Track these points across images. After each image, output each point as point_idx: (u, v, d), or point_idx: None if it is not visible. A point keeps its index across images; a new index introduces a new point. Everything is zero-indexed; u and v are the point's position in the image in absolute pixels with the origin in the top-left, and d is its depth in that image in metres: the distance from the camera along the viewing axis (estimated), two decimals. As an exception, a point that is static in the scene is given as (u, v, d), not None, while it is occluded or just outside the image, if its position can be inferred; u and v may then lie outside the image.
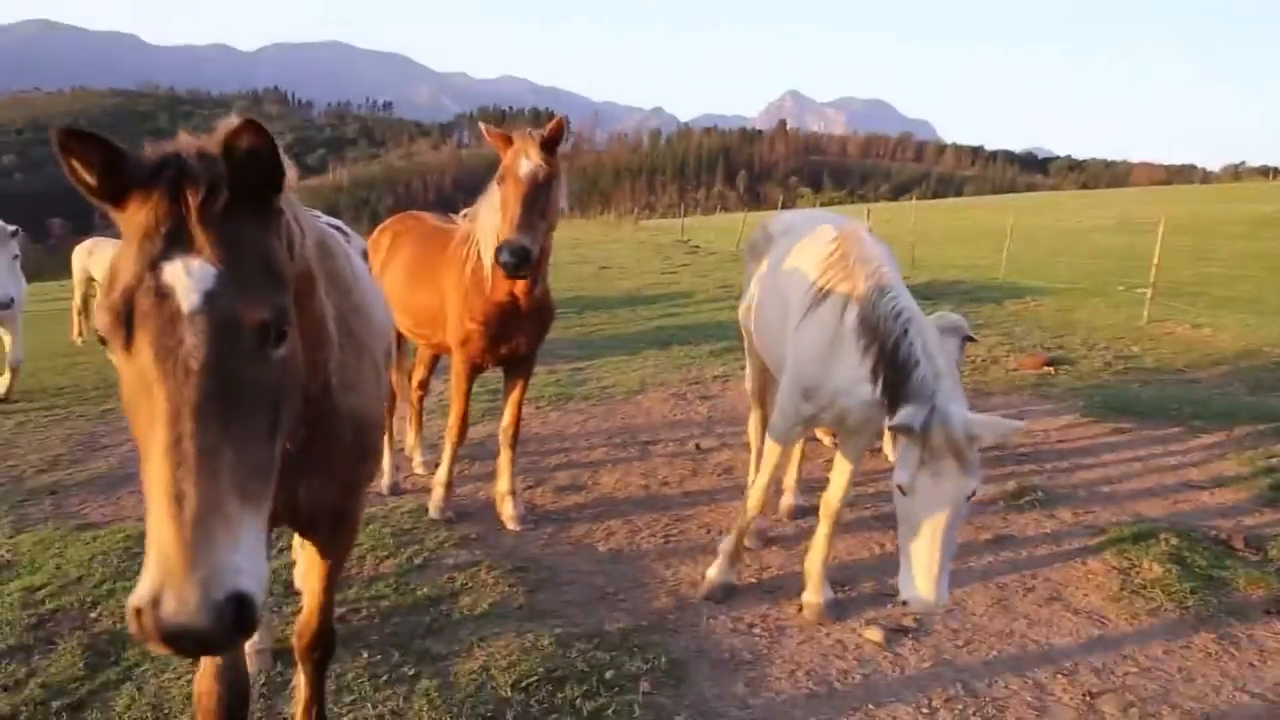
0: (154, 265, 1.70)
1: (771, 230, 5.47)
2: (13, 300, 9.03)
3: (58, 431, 8.39)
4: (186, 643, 1.54)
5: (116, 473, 7.05)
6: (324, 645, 3.24)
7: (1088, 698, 3.86)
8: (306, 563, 3.20)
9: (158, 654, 1.44)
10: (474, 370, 5.67)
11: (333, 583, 3.16)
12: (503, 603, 4.69)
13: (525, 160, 4.86)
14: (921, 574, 3.59)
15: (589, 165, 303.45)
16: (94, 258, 13.79)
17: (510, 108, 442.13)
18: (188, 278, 1.70)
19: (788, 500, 6.06)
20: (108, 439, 8.11)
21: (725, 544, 4.95)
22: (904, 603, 3.69)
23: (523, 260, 4.73)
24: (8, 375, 9.79)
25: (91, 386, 10.39)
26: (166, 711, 3.70)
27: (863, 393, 4.00)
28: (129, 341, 1.69)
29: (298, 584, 4.54)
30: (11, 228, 9.13)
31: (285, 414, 1.88)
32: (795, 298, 4.46)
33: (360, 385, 2.69)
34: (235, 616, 1.55)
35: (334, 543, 3.03)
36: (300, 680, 3.35)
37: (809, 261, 4.46)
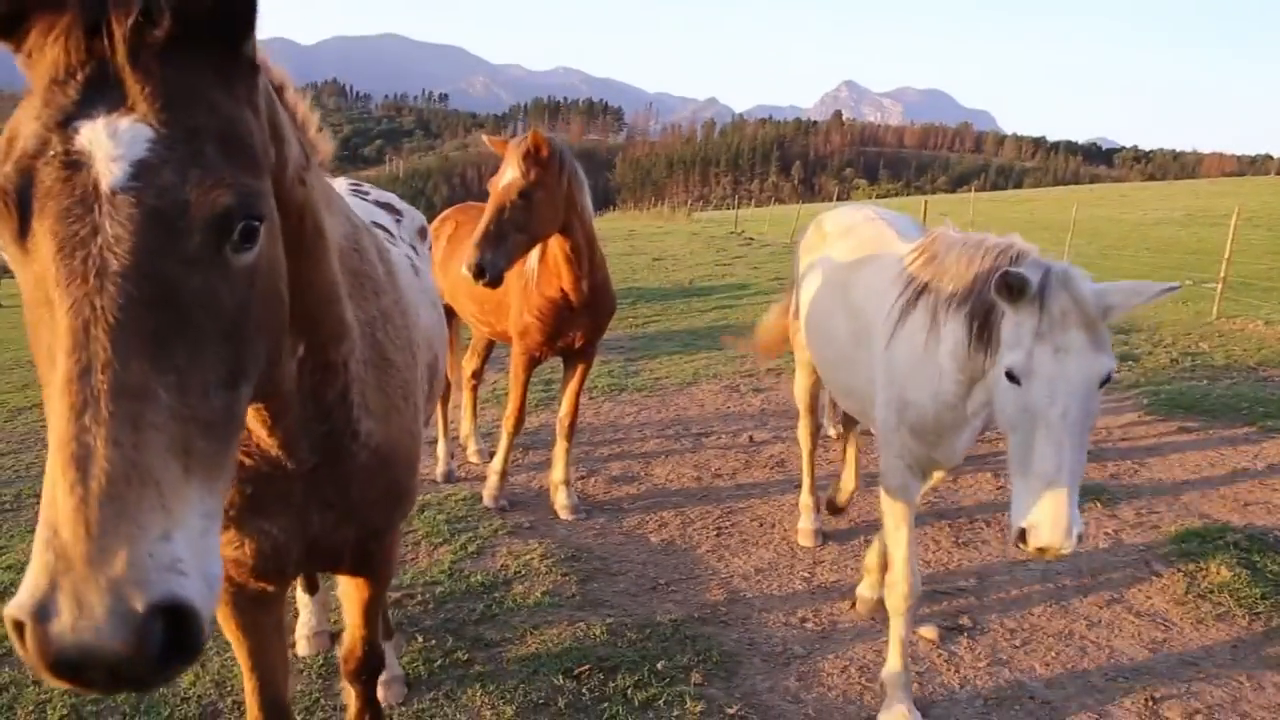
0: (63, 124, 1.21)
1: (827, 229, 4.82)
2: None
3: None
4: (90, 674, 1.06)
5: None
6: (370, 669, 2.92)
7: (1150, 703, 3.77)
8: (342, 593, 2.84)
9: (54, 685, 1.12)
10: (532, 361, 5.71)
11: (373, 614, 2.81)
12: (555, 591, 4.73)
13: (505, 171, 4.90)
14: (1045, 499, 2.68)
15: (643, 157, 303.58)
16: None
17: (565, 99, 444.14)
18: (110, 141, 1.21)
19: (807, 525, 5.49)
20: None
21: (887, 665, 3.81)
22: (1021, 539, 2.78)
23: (478, 273, 4.73)
24: None
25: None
26: (229, 689, 3.80)
27: (970, 407, 3.33)
28: (23, 231, 1.20)
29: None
30: None
31: (252, 356, 1.37)
32: (875, 312, 3.76)
33: (386, 410, 2.22)
34: (166, 637, 1.08)
35: (365, 580, 2.66)
36: (350, 697, 3.06)
37: (889, 268, 3.80)
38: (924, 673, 4.02)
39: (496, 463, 6.02)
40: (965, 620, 4.48)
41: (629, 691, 3.79)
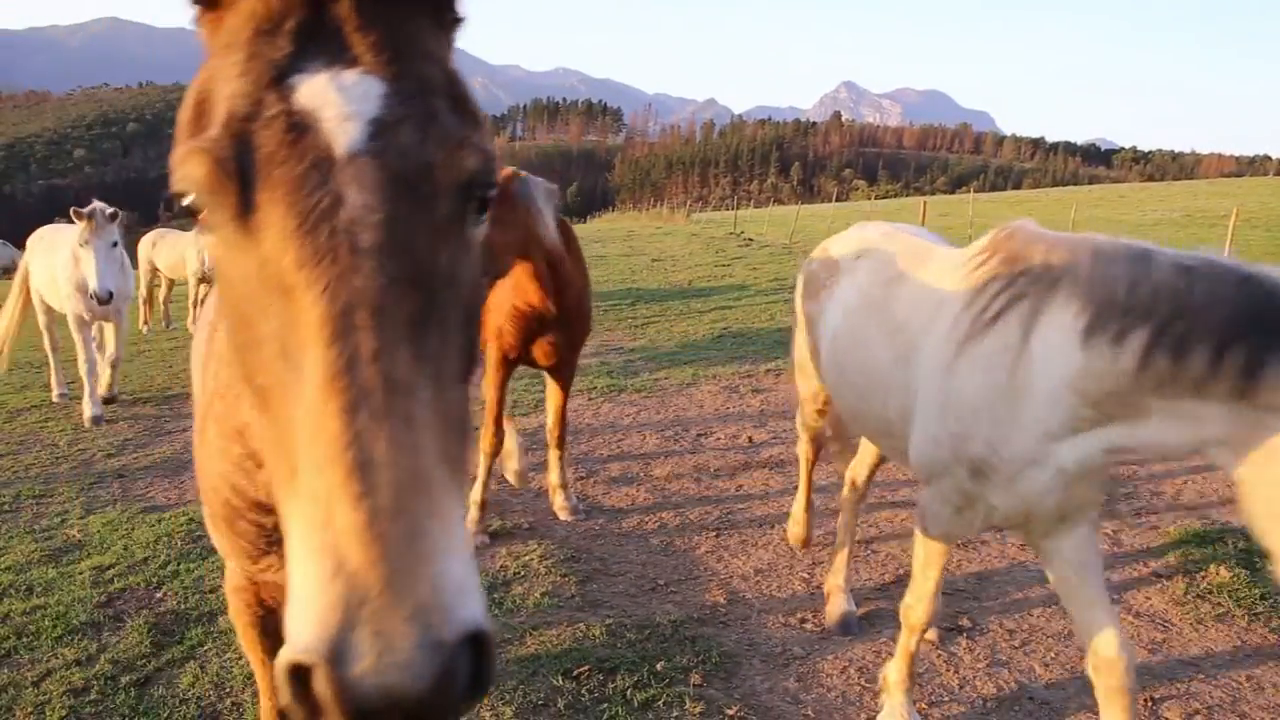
0: (277, 80, 1.07)
1: (837, 255, 4.14)
2: (110, 294, 7.74)
3: (125, 417, 8.65)
4: (395, 714, 0.90)
5: (181, 457, 7.25)
6: None
7: (1149, 703, 3.77)
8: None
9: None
10: (506, 362, 5.52)
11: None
12: (554, 592, 4.73)
13: None
14: None
15: (642, 157, 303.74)
16: (158, 249, 14.20)
17: (564, 100, 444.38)
18: (340, 98, 1.06)
19: (840, 606, 4.50)
20: (171, 424, 8.35)
21: (892, 672, 3.64)
22: None
23: None
24: (108, 373, 8.98)
25: (156, 374, 10.69)
26: (228, 690, 3.80)
27: (1073, 453, 2.72)
28: (246, 206, 1.05)
29: None
30: (110, 209, 7.94)
31: (476, 346, 1.24)
32: (922, 330, 3.24)
33: None
34: (472, 670, 0.93)
35: None
36: None
37: (941, 277, 3.30)
38: (924, 673, 4.02)
39: (475, 492, 5.52)
40: (965, 621, 4.48)
41: (628, 692, 3.78)
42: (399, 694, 0.88)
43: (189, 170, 1.07)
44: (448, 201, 1.10)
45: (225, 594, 2.24)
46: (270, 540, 1.93)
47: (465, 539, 1.00)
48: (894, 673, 3.61)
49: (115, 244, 7.88)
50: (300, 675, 0.90)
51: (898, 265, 3.65)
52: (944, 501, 3.11)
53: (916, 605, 3.50)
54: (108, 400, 8.95)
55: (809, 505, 5.19)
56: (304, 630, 0.90)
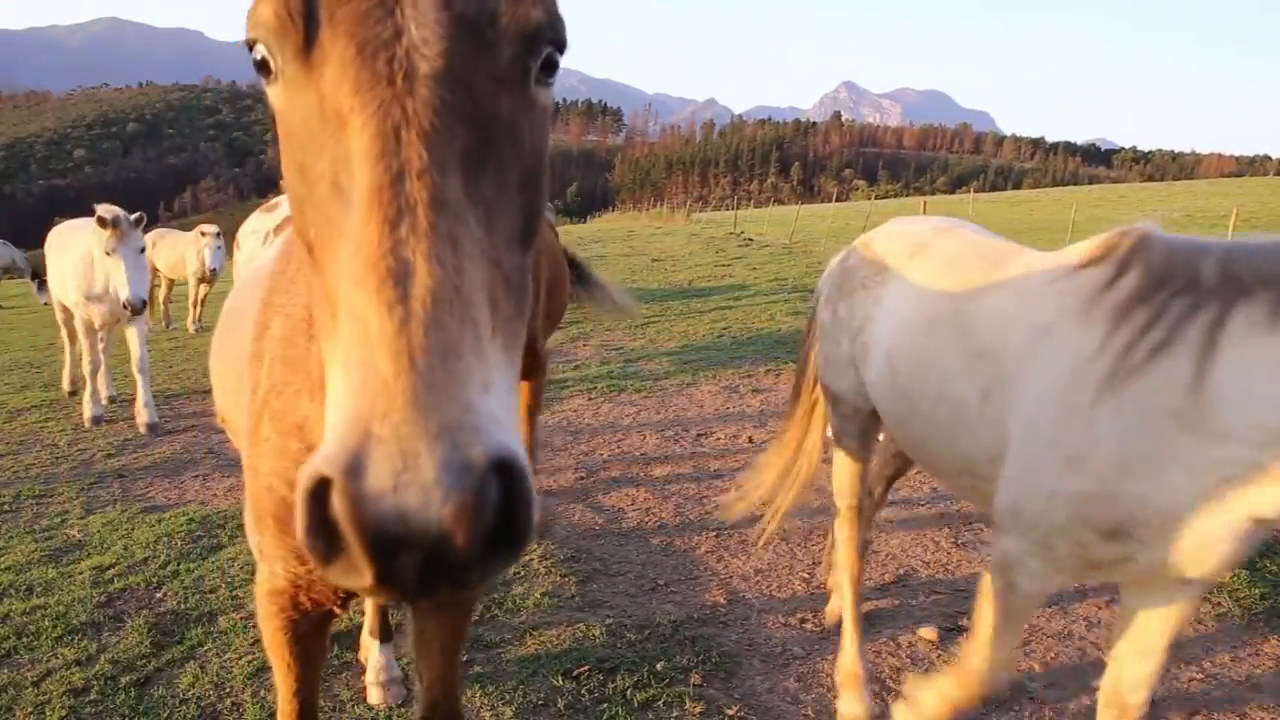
0: None
1: (882, 253, 3.52)
2: (144, 303, 7.60)
3: (125, 417, 8.65)
4: (407, 555, 0.83)
5: (180, 457, 7.26)
6: None
7: (1149, 704, 3.76)
8: (415, 642, 2.46)
9: (343, 581, 0.89)
10: None
11: (455, 662, 2.44)
12: (554, 592, 4.73)
13: None
14: None
15: (642, 157, 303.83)
16: (158, 249, 14.21)
17: (564, 100, 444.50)
18: None
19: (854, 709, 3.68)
20: (171, 424, 8.36)
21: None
22: None
23: None
24: (140, 380, 8.21)
25: (156, 374, 10.69)
26: (228, 690, 3.80)
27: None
28: (309, 42, 1.06)
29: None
30: (135, 215, 7.63)
31: (538, 222, 1.21)
32: (1019, 356, 2.68)
33: None
34: (505, 500, 0.86)
35: (450, 614, 2.37)
36: None
37: (1037, 295, 2.71)
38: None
39: None
40: (965, 621, 4.47)
41: (628, 692, 3.78)
42: (419, 521, 0.81)
43: (258, 14, 1.08)
44: (511, 50, 1.10)
45: (257, 598, 2.17)
46: None
47: (510, 401, 0.95)
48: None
49: (142, 250, 7.64)
50: (320, 497, 0.85)
51: (968, 272, 3.05)
52: (1047, 559, 2.59)
53: (982, 670, 2.84)
54: (111, 399, 8.91)
55: (860, 639, 3.81)
56: (327, 441, 0.86)
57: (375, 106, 1.00)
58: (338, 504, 0.83)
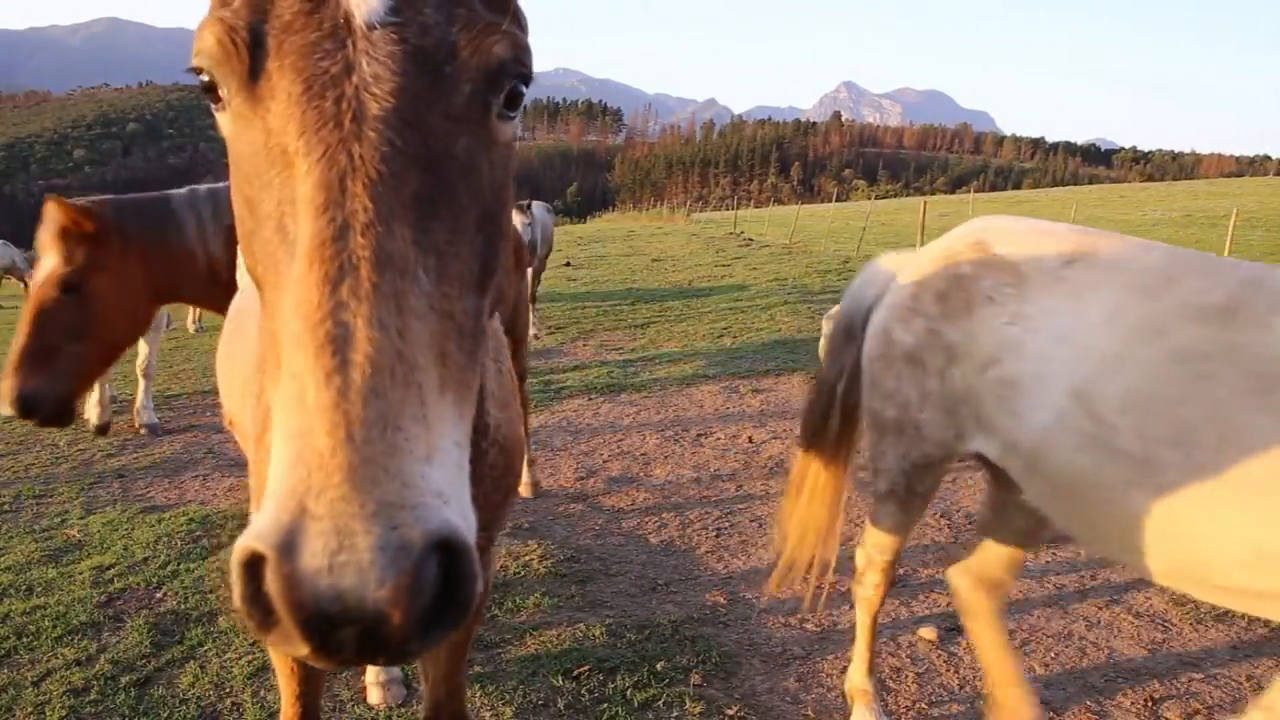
0: None
1: (1016, 258, 2.77)
2: None
3: (124, 417, 8.65)
4: (343, 632, 0.81)
5: (180, 457, 7.26)
6: None
7: (1149, 703, 3.77)
8: None
9: (280, 649, 0.89)
10: None
11: (461, 664, 2.39)
12: (554, 592, 4.73)
13: (43, 260, 3.80)
14: None
15: (642, 157, 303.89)
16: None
17: (564, 100, 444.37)
18: None
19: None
20: (171, 424, 8.36)
21: None
22: None
23: (24, 410, 3.67)
24: (141, 395, 8.15)
25: (156, 374, 10.68)
26: (228, 690, 3.80)
27: None
28: (255, 74, 1.01)
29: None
30: None
31: (499, 262, 1.14)
32: None
33: (504, 397, 1.97)
34: (445, 582, 0.84)
35: None
36: None
37: None
38: (924, 673, 4.02)
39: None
40: (964, 621, 4.47)
41: (628, 692, 3.78)
42: (354, 601, 0.79)
43: (202, 40, 1.03)
44: (470, 87, 1.04)
45: None
46: None
47: (458, 462, 0.92)
48: None
49: None
50: (256, 569, 0.82)
51: (1212, 290, 2.34)
52: None
53: None
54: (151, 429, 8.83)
55: (871, 657, 3.63)
56: (261, 516, 0.83)
57: (321, 151, 0.95)
58: (271, 582, 0.80)
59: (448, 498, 0.86)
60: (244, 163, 1.04)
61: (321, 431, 0.82)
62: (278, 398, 0.90)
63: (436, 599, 0.83)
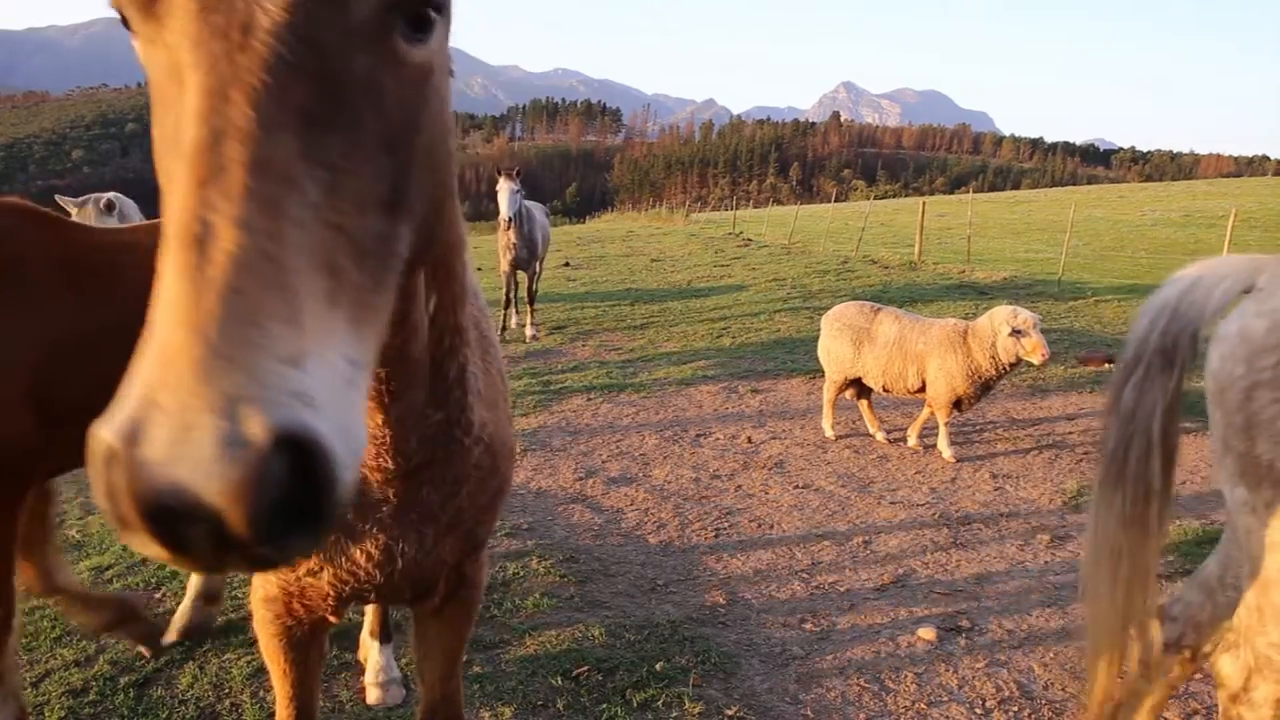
0: None
1: None
2: None
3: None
4: (184, 524, 0.79)
5: (180, 458, 7.25)
6: None
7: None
8: (417, 643, 2.44)
9: (141, 552, 0.86)
10: None
11: (457, 667, 2.40)
12: (553, 592, 4.73)
13: None
14: None
15: (641, 158, 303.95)
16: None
17: (563, 100, 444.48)
18: None
19: None
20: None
21: None
22: None
23: None
24: None
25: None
26: (227, 690, 3.79)
27: None
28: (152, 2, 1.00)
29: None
30: (106, 197, 7.10)
31: (417, 191, 1.14)
32: None
33: (493, 396, 1.97)
34: (290, 479, 0.81)
35: (451, 616, 2.28)
36: None
37: None
38: (923, 673, 4.02)
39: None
40: (964, 621, 4.48)
41: (627, 692, 3.78)
42: (191, 495, 0.77)
43: None
44: (368, 6, 1.03)
45: (252, 604, 2.15)
46: None
47: (346, 377, 0.91)
48: None
49: None
50: (106, 461, 0.81)
51: None
52: None
53: None
54: None
55: None
56: (114, 408, 0.82)
57: (208, 63, 0.94)
58: (115, 474, 0.79)
59: (314, 402, 0.84)
60: (155, 87, 1.03)
61: (177, 326, 0.82)
62: (156, 293, 0.88)
63: (287, 500, 0.81)
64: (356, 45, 1.02)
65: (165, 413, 0.78)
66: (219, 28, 0.95)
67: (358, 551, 1.87)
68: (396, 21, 1.06)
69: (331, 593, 1.97)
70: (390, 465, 1.71)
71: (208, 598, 4.19)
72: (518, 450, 7.14)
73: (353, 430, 0.89)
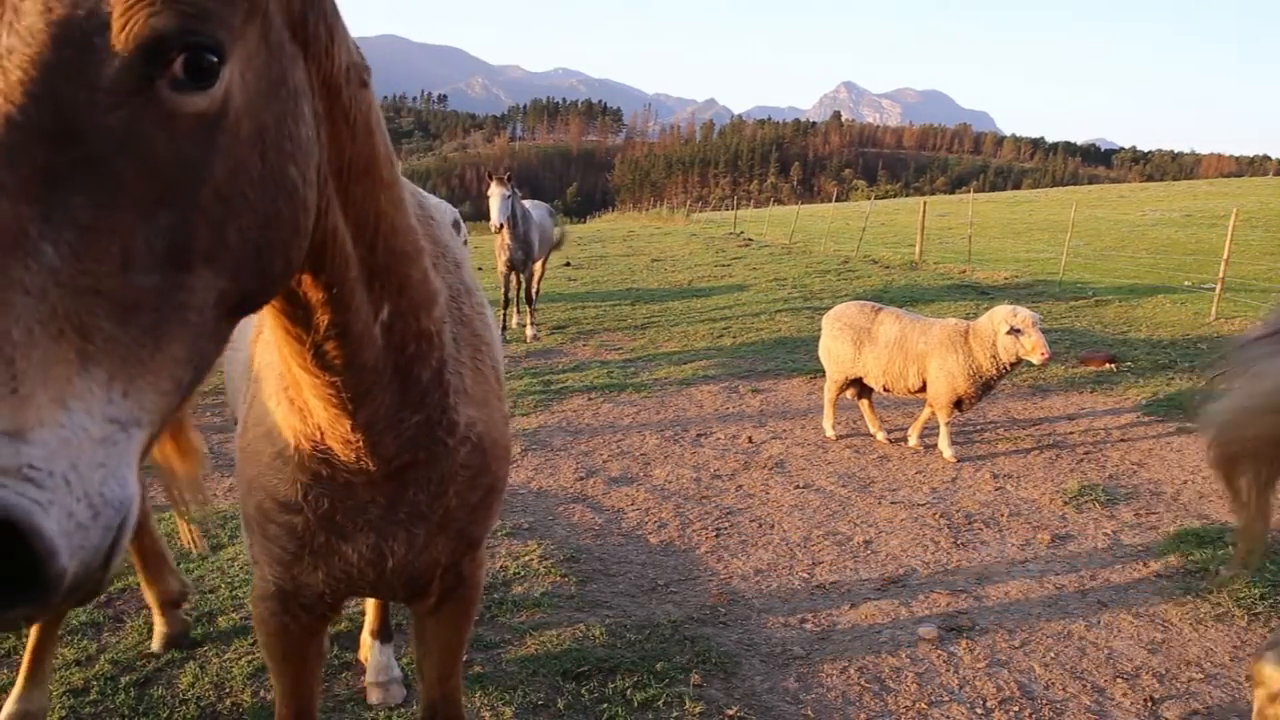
0: None
1: None
2: None
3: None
4: None
5: (181, 457, 7.26)
6: None
7: (1149, 704, 3.77)
8: (417, 642, 2.43)
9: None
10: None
11: (456, 666, 2.40)
12: (554, 592, 4.73)
13: None
14: None
15: (642, 158, 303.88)
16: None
17: (564, 100, 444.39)
18: None
19: None
20: (172, 424, 8.36)
21: None
22: None
23: None
24: None
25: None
26: (228, 690, 3.80)
27: None
28: None
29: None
30: None
31: (219, 238, 1.09)
32: None
33: (484, 395, 1.96)
34: (12, 560, 0.81)
35: (453, 613, 2.27)
36: None
37: None
38: (924, 673, 4.02)
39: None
40: (965, 621, 4.48)
41: (628, 692, 3.78)
42: None
43: None
44: (123, 60, 0.96)
45: (252, 602, 2.18)
46: (301, 543, 1.90)
47: (92, 430, 0.89)
48: None
49: None
50: None
51: None
52: None
53: None
54: None
55: None
56: None
57: None
58: None
59: (34, 476, 0.81)
60: None
61: None
62: None
63: None
64: (110, 100, 0.96)
65: None
66: None
67: (350, 550, 1.89)
68: (157, 74, 0.99)
69: (327, 591, 1.99)
70: (371, 467, 1.74)
71: (175, 603, 4.18)
72: (518, 450, 7.15)
73: (105, 494, 0.87)
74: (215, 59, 1.03)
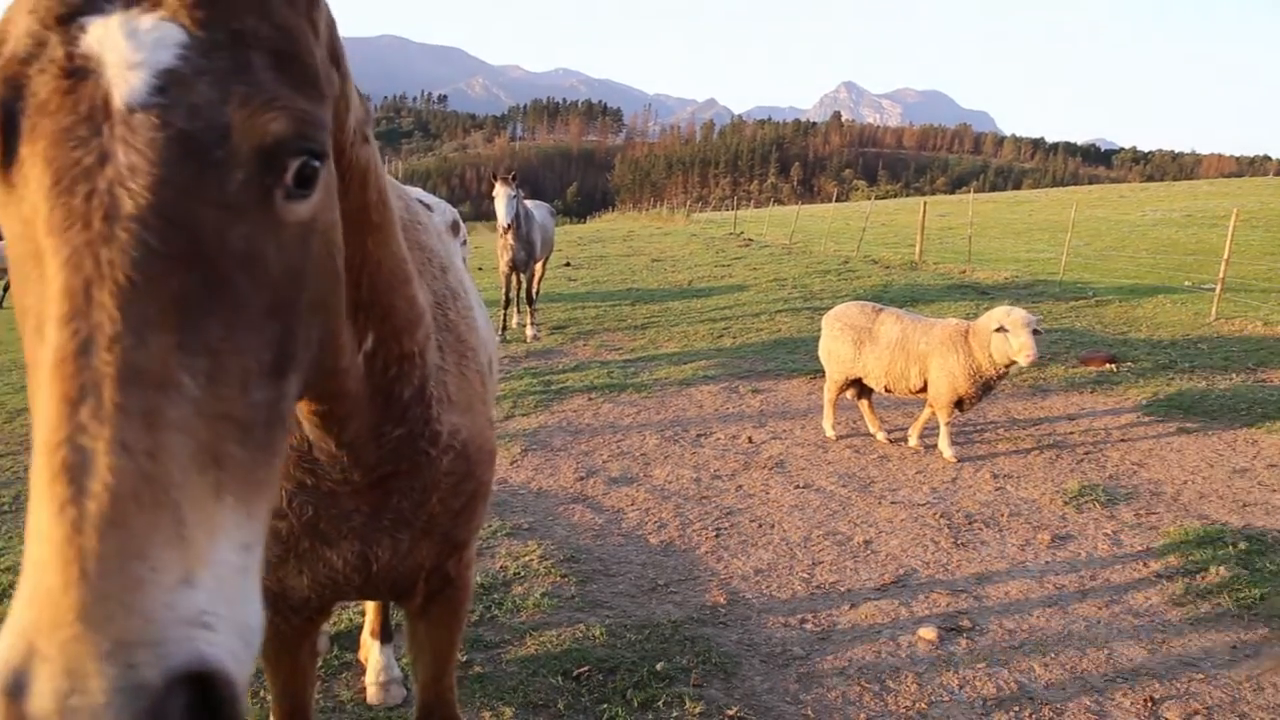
0: (65, 19, 0.92)
1: None
2: None
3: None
4: None
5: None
6: None
7: (1149, 704, 3.77)
8: (409, 645, 2.42)
9: None
10: None
11: (448, 666, 2.38)
12: (554, 592, 4.73)
13: None
14: None
15: (642, 158, 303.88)
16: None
17: (564, 100, 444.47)
18: (128, 43, 0.92)
19: None
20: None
21: None
22: None
23: None
24: None
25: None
26: (228, 690, 3.80)
27: None
28: (8, 159, 0.92)
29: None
30: None
31: (305, 341, 1.08)
32: None
33: (468, 400, 1.95)
34: (187, 711, 0.79)
35: (439, 616, 2.25)
36: None
37: None
38: (924, 673, 4.02)
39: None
40: (965, 621, 4.48)
41: (628, 692, 3.78)
42: None
43: None
44: (247, 170, 0.94)
45: None
46: (286, 547, 1.90)
47: (240, 566, 0.88)
48: None
49: None
50: None
51: None
52: None
53: None
54: None
55: None
56: None
57: (67, 256, 0.86)
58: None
59: (215, 622, 0.82)
60: (10, 244, 0.94)
61: (53, 568, 0.77)
62: (29, 514, 0.84)
63: None
64: (234, 216, 0.94)
65: (50, 662, 0.74)
66: (79, 214, 0.87)
67: (334, 556, 1.89)
68: (275, 185, 0.98)
69: (313, 595, 1.99)
70: (356, 478, 1.75)
71: None
72: (518, 450, 7.15)
73: (249, 620, 0.88)
74: (318, 165, 1.02)
